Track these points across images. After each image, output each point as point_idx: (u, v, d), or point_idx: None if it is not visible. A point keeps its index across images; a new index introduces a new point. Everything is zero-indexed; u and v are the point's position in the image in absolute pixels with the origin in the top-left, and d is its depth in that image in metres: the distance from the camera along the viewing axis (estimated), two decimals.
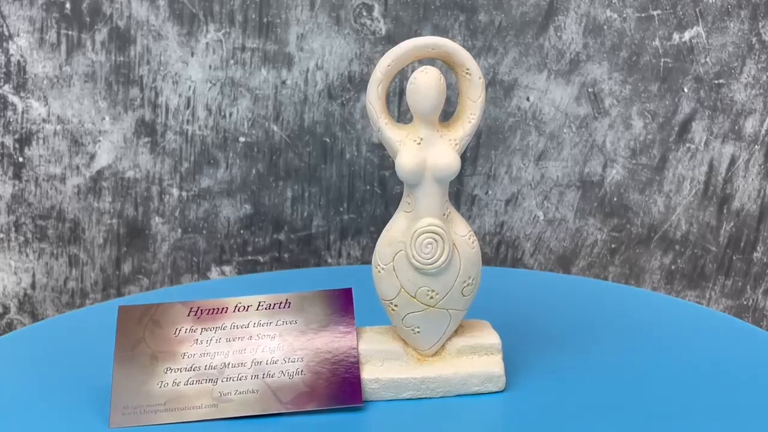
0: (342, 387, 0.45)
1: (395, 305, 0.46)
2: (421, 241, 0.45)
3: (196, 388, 0.43)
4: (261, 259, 0.81)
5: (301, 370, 0.45)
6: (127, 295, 0.80)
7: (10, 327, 0.81)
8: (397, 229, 0.45)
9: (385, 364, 0.47)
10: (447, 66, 0.46)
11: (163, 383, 0.42)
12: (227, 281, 0.76)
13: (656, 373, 0.50)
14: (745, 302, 0.86)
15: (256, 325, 0.45)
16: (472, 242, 0.46)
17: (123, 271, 0.81)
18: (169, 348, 0.43)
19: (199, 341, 0.43)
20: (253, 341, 0.45)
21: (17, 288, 0.80)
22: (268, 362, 0.45)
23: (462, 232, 0.46)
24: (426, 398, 0.47)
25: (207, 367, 0.43)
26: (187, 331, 0.43)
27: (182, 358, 0.43)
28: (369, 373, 0.46)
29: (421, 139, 0.45)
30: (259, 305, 0.46)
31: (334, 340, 0.46)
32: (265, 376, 0.44)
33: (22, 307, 0.81)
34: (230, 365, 0.44)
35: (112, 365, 0.43)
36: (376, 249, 0.46)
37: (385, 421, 0.45)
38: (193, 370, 0.43)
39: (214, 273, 0.81)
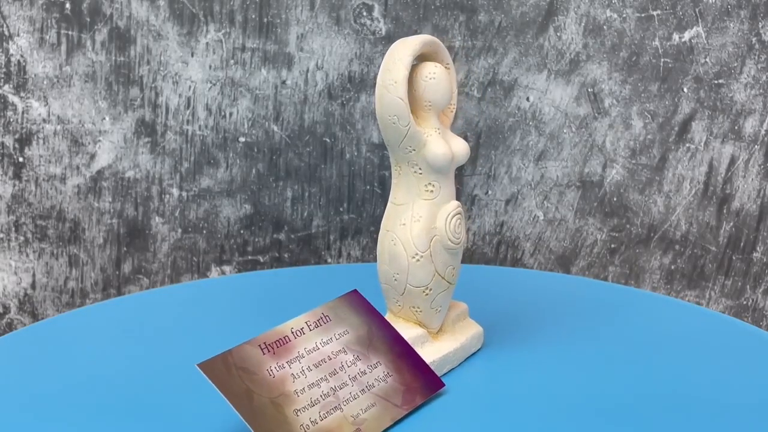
0: (424, 377, 0.47)
1: (429, 289, 0.48)
2: (455, 223, 0.48)
3: (331, 419, 0.42)
4: (261, 259, 0.81)
5: (387, 372, 0.46)
6: (127, 294, 0.80)
7: (10, 327, 0.81)
8: (428, 216, 0.47)
9: (423, 348, 0.49)
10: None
11: (305, 426, 0.41)
12: (227, 280, 0.76)
13: (655, 371, 0.50)
14: (744, 302, 0.86)
15: (322, 344, 0.46)
16: None
17: (123, 271, 0.81)
18: (279, 390, 0.42)
19: (295, 375, 0.43)
20: (333, 360, 0.45)
21: (17, 288, 0.80)
22: (359, 374, 0.45)
23: None
24: (454, 368, 0.50)
25: (323, 397, 0.43)
26: (278, 368, 0.43)
27: (297, 396, 0.42)
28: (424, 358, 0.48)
29: (439, 130, 0.48)
30: (308, 326, 0.46)
31: (384, 337, 0.48)
32: (369, 387, 0.45)
33: (22, 307, 0.81)
34: (337, 388, 0.44)
35: (243, 422, 0.41)
36: (407, 240, 0.47)
37: (462, 396, 0.47)
38: (315, 404, 0.43)
39: (214, 273, 0.81)
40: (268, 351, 0.43)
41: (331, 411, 0.43)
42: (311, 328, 0.46)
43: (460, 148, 0.48)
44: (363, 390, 0.44)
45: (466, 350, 0.52)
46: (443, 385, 0.47)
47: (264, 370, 0.42)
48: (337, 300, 0.48)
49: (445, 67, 0.48)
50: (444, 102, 0.47)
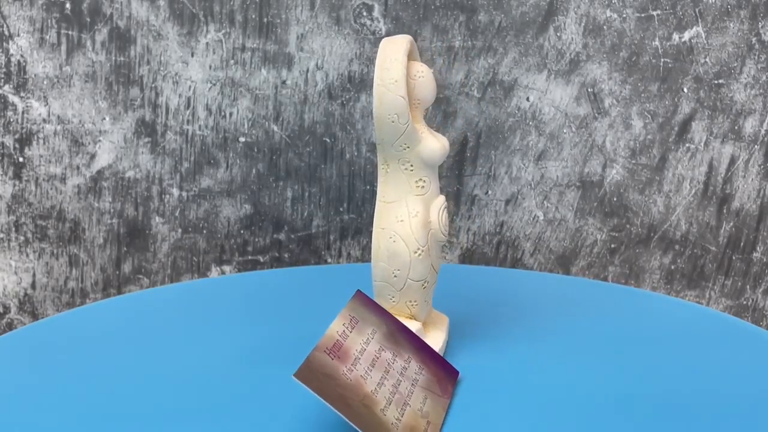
0: (443, 367, 0.48)
1: (427, 282, 0.49)
2: (445, 216, 0.49)
3: (407, 415, 0.43)
4: (261, 259, 0.81)
5: (420, 366, 0.47)
6: (127, 294, 0.80)
7: (10, 327, 0.81)
8: (424, 211, 0.48)
9: (425, 339, 0.50)
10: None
11: (394, 424, 0.42)
12: (227, 280, 0.76)
13: (655, 370, 0.50)
14: (744, 302, 0.86)
15: (365, 344, 0.46)
16: None
17: (123, 271, 0.81)
18: (361, 392, 0.43)
19: (363, 377, 0.44)
20: (380, 359, 0.46)
21: (17, 288, 0.80)
22: (402, 371, 0.46)
23: None
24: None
25: (392, 395, 0.44)
26: (349, 371, 0.43)
27: (375, 396, 0.43)
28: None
29: (426, 127, 0.49)
30: (346, 329, 0.46)
31: (400, 333, 0.48)
32: (415, 381, 0.46)
33: (22, 307, 0.81)
34: (397, 385, 0.45)
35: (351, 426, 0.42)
36: (408, 236, 0.48)
37: (473, 379, 0.48)
38: (390, 402, 0.43)
39: (214, 273, 0.81)
40: (333, 355, 0.43)
41: (404, 408, 0.43)
42: (349, 330, 0.46)
43: (446, 143, 0.50)
44: (413, 384, 0.45)
45: (447, 337, 0.53)
46: (458, 373, 0.48)
47: (340, 374, 0.42)
48: (352, 301, 0.48)
49: None
50: (430, 99, 0.48)
